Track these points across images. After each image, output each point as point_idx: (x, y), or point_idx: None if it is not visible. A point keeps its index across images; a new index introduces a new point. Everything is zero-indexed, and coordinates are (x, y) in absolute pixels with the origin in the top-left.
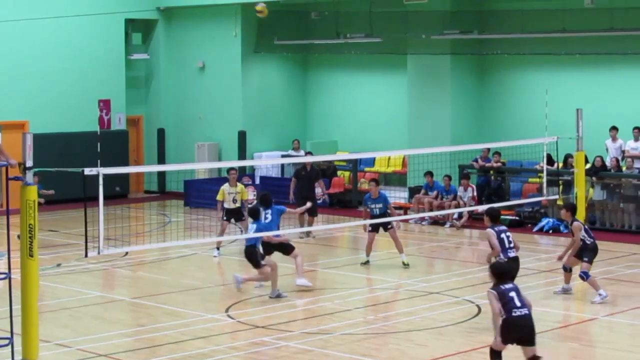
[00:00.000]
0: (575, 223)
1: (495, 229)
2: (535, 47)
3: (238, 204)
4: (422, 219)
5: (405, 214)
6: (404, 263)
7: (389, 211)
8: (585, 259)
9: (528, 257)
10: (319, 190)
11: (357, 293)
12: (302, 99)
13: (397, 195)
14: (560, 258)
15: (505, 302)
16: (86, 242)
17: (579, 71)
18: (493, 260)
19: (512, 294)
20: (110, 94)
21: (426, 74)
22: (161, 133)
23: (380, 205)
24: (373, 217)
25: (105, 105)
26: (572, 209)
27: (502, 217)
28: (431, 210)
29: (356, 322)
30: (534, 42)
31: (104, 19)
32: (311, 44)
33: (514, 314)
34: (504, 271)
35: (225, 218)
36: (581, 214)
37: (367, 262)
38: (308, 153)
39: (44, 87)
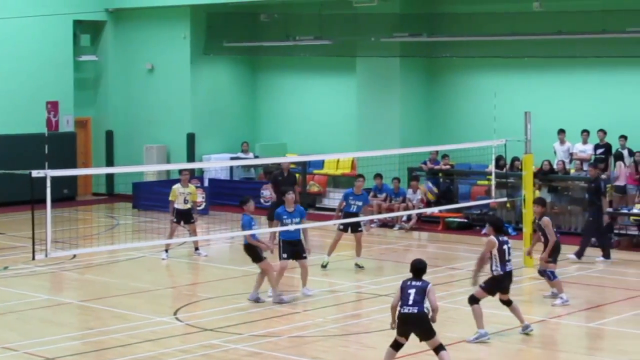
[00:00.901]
0: (544, 218)
1: (500, 239)
2: (484, 50)
3: (189, 205)
4: (371, 221)
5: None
6: (357, 265)
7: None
8: (550, 258)
9: (475, 260)
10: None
11: (305, 296)
12: (251, 101)
13: None
14: (544, 259)
15: (402, 297)
16: (33, 244)
17: (527, 74)
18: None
19: (411, 290)
20: (59, 96)
21: (375, 76)
22: (109, 135)
23: (360, 203)
24: (347, 214)
25: (53, 107)
26: (543, 203)
27: (450, 219)
28: (380, 212)
29: (305, 324)
30: (483, 45)
31: (52, 20)
32: (260, 46)
33: (402, 310)
34: (418, 269)
35: (175, 220)
36: (529, 215)
37: (327, 264)
38: (234, 158)
39: None
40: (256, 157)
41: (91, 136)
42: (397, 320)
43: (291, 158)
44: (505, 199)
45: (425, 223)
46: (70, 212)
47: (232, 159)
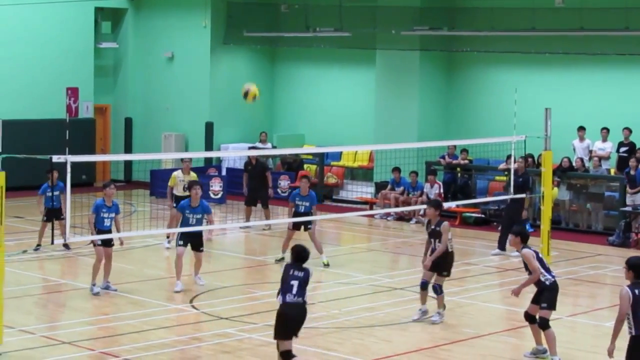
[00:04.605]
0: (444, 223)
1: (533, 249)
2: (504, 46)
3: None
4: (388, 214)
5: (371, 209)
6: (324, 263)
7: (312, 211)
8: (445, 272)
9: (493, 255)
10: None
11: (320, 287)
12: (270, 91)
13: (362, 190)
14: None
15: (284, 286)
16: (52, 229)
17: (548, 70)
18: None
19: (294, 282)
20: (79, 82)
21: (395, 69)
22: (128, 122)
23: (307, 204)
24: (296, 214)
25: (73, 93)
26: (437, 205)
27: (467, 214)
28: (397, 206)
29: (319, 316)
30: (504, 40)
31: (74, 6)
32: (280, 36)
33: (287, 300)
34: (301, 256)
35: (175, 205)
36: (547, 212)
37: (281, 259)
38: (253, 147)
39: (12, 74)
40: (274, 147)
41: (110, 123)
42: (279, 314)
43: (309, 149)
44: (523, 196)
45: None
46: (89, 198)
47: (250, 148)
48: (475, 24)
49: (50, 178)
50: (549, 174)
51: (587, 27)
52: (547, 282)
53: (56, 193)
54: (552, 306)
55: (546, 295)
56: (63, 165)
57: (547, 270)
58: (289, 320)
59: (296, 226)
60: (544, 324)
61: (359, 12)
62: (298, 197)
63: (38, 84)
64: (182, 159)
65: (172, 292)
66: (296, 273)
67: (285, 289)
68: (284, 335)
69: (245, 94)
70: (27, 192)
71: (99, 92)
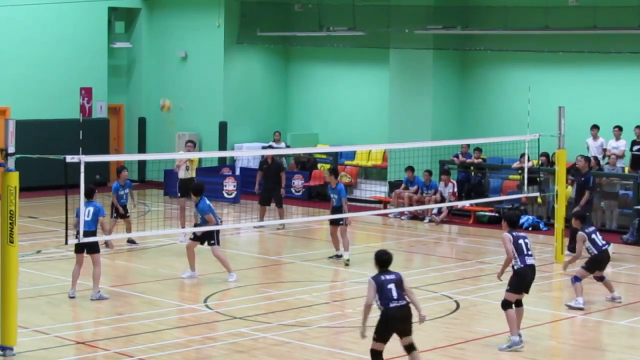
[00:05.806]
0: (579, 233)
1: (514, 234)
2: (518, 44)
3: (190, 174)
4: (402, 213)
5: (385, 208)
6: (345, 262)
7: (343, 204)
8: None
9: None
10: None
11: (334, 286)
12: (283, 90)
13: (376, 189)
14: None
15: (383, 294)
16: (66, 229)
17: (561, 69)
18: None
19: (391, 285)
20: (92, 82)
21: (408, 68)
22: (142, 122)
23: (337, 196)
24: (333, 207)
25: (86, 93)
26: (581, 217)
27: (481, 213)
28: (411, 205)
29: (334, 315)
30: (517, 39)
31: (87, 6)
32: (294, 36)
33: (391, 305)
34: (385, 260)
35: (179, 195)
36: (561, 211)
37: (339, 256)
38: (268, 147)
39: (26, 74)
40: (288, 146)
41: (124, 123)
42: (384, 320)
43: (322, 148)
44: (536, 194)
45: (456, 216)
46: (103, 198)
47: (263, 148)
48: (489, 22)
49: (120, 177)
50: (562, 172)
51: (601, 25)
52: (515, 267)
53: (126, 191)
54: (514, 289)
55: (511, 279)
56: (77, 165)
57: (522, 256)
58: (394, 323)
59: (333, 222)
60: (503, 304)
61: (372, 11)
62: (330, 190)
63: (52, 84)
64: (185, 143)
65: (186, 292)
66: (388, 277)
67: (386, 296)
68: (381, 338)
69: (162, 107)
70: (41, 192)
71: (112, 92)
